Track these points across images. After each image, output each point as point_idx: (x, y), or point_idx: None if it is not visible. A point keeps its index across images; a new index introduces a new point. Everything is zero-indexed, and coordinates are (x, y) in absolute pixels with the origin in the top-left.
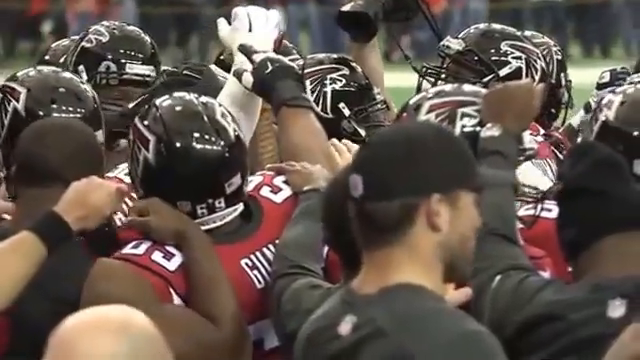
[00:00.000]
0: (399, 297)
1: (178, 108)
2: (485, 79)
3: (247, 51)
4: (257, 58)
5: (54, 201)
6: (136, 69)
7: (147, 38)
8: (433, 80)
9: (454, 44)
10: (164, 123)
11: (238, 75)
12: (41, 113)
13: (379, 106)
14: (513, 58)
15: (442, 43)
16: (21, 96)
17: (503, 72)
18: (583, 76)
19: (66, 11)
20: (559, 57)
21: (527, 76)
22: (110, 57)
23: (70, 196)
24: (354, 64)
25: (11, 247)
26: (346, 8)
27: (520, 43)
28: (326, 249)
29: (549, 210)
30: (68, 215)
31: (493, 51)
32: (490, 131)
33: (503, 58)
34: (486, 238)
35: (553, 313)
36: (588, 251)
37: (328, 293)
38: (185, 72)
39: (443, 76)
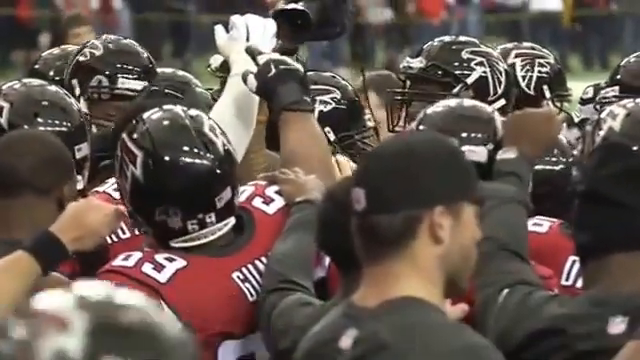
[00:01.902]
0: (401, 310)
1: (166, 122)
2: (454, 90)
3: (252, 52)
4: (261, 60)
5: (26, 210)
6: (128, 84)
7: (143, 52)
8: (399, 104)
9: (415, 63)
10: (152, 137)
11: (244, 77)
12: (25, 127)
13: (367, 133)
14: (476, 64)
15: (402, 65)
16: (4, 111)
17: (470, 79)
18: (583, 88)
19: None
20: (545, 69)
21: (493, 80)
22: (103, 71)
23: (67, 216)
24: (345, 84)
25: (5, 266)
26: (281, 6)
27: (479, 49)
28: (327, 259)
29: (540, 225)
30: (64, 235)
31: (456, 61)
32: (506, 154)
33: (466, 66)
34: (496, 253)
35: (555, 327)
36: (598, 261)
37: (320, 310)
38: (167, 91)
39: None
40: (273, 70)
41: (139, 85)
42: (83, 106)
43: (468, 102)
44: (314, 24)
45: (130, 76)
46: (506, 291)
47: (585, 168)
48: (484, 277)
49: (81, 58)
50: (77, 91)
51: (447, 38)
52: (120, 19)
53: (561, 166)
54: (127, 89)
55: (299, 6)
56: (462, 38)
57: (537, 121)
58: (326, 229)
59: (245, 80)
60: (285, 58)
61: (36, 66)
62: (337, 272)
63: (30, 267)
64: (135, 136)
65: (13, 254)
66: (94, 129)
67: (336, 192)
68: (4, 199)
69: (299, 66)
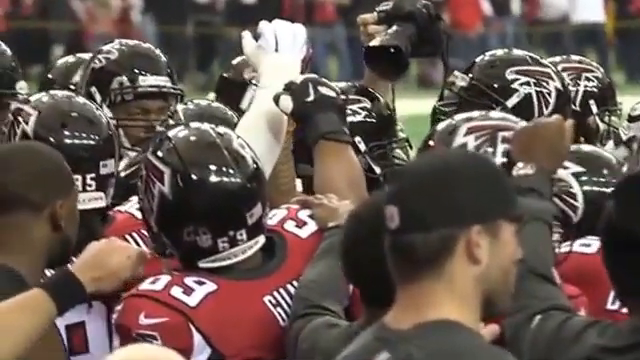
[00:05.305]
0: (436, 333)
1: (193, 138)
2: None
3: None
4: (297, 78)
5: (20, 228)
6: (149, 80)
7: (157, 51)
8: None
9: (459, 80)
10: (179, 154)
11: (276, 99)
12: (52, 139)
13: (399, 144)
14: (520, 85)
15: (449, 79)
16: (31, 118)
17: (511, 102)
18: (627, 103)
19: (83, 33)
20: (592, 84)
21: (539, 101)
22: (122, 72)
23: (89, 255)
24: (378, 96)
25: (21, 303)
26: (374, 43)
27: (526, 67)
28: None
29: (588, 245)
30: (84, 275)
31: (498, 81)
32: (524, 169)
33: (509, 87)
34: (524, 276)
35: (595, 356)
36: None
37: (347, 331)
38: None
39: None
40: (312, 95)
41: (160, 80)
42: (106, 112)
43: (495, 114)
44: (407, 53)
45: (150, 73)
46: (539, 317)
47: (610, 205)
48: (513, 301)
49: (96, 65)
50: (98, 98)
51: (498, 53)
52: (142, 32)
53: (609, 188)
54: (150, 85)
55: (389, 41)
56: (511, 54)
57: (548, 132)
58: (348, 257)
59: (277, 101)
60: (323, 80)
61: (49, 75)
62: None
63: (46, 306)
64: (161, 154)
65: (30, 291)
66: (121, 132)
67: (360, 212)
68: None
69: (337, 89)
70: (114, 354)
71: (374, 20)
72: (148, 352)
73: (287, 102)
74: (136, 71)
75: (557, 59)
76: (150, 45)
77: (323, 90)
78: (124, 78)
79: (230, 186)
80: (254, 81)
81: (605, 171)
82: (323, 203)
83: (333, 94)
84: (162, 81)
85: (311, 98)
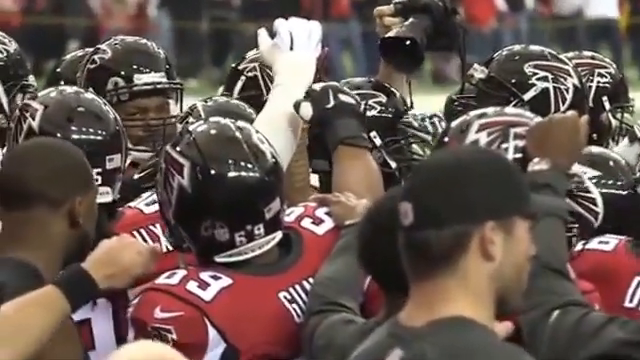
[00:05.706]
0: (450, 331)
1: (213, 132)
2: (510, 105)
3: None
4: (317, 86)
5: (38, 223)
6: (145, 78)
7: (152, 45)
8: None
9: (478, 72)
10: (198, 148)
11: (296, 106)
12: (58, 134)
13: (415, 139)
14: (538, 79)
15: (469, 71)
16: (37, 113)
17: (528, 96)
18: None
19: (99, 28)
20: (604, 80)
21: (555, 96)
22: (117, 72)
23: (101, 252)
24: (393, 90)
25: (35, 300)
26: (390, 35)
27: (545, 62)
28: (367, 281)
29: (606, 243)
30: (96, 272)
31: (516, 74)
32: (539, 165)
33: (527, 81)
34: (540, 272)
35: (617, 351)
36: None
37: (363, 328)
38: None
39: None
40: (332, 101)
41: (155, 77)
42: None
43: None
44: (423, 46)
45: (144, 71)
46: (557, 312)
47: None
48: (529, 298)
49: (91, 66)
50: None
51: (516, 48)
52: (158, 27)
53: (624, 190)
54: (145, 83)
55: (405, 33)
56: (531, 49)
57: (563, 128)
58: (366, 249)
59: (297, 109)
60: (343, 87)
61: (58, 69)
62: (376, 293)
63: (59, 303)
64: (180, 148)
65: (44, 289)
66: None
67: (377, 211)
68: (14, 212)
69: (356, 97)
70: (119, 352)
71: (390, 12)
72: (151, 351)
73: (307, 109)
74: (130, 69)
75: (570, 55)
76: (146, 41)
77: (342, 97)
78: (119, 78)
79: (249, 180)
80: (246, 72)
81: (617, 172)
82: (341, 201)
83: (352, 101)
84: (157, 77)
85: (331, 105)
